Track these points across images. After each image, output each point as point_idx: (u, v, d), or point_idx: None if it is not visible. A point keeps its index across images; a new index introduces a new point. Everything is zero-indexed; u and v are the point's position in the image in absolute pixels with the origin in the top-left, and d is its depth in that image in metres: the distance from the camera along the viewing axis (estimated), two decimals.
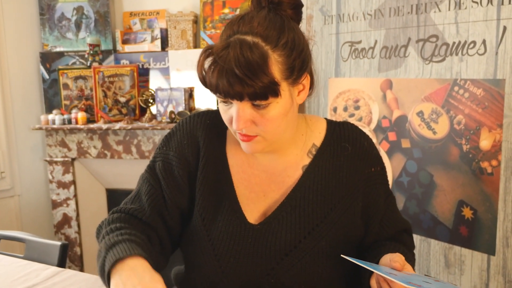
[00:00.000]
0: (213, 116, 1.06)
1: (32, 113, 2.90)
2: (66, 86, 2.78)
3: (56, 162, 2.79)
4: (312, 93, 1.01)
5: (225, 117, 0.94)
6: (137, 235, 0.93)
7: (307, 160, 1.03)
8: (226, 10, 2.66)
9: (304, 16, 2.29)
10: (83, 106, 2.76)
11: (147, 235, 0.98)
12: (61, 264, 1.33)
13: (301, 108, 2.35)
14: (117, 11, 2.88)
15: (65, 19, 2.86)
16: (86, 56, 2.79)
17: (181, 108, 2.58)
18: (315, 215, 0.99)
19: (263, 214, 1.01)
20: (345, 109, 2.12)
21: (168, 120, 2.56)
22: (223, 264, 0.98)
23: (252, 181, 1.03)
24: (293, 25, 0.92)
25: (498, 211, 1.61)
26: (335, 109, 2.16)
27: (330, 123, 1.07)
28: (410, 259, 1.03)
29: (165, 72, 2.76)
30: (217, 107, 0.99)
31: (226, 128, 1.01)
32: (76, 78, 2.79)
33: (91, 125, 2.63)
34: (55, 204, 2.84)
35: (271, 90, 0.86)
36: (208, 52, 0.87)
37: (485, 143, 1.64)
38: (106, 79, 2.69)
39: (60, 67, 2.80)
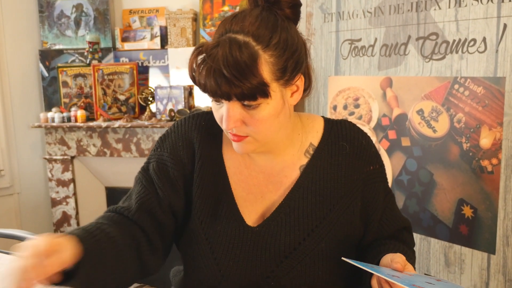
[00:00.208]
0: (208, 117, 1.04)
1: (31, 111, 2.89)
2: (65, 84, 2.78)
3: (55, 160, 2.78)
4: (309, 94, 1.00)
5: (216, 116, 0.93)
6: (105, 229, 0.91)
7: (304, 160, 1.02)
8: (226, 8, 2.65)
9: (303, 14, 2.29)
10: (82, 104, 2.76)
11: (132, 234, 0.96)
12: None
13: (301, 107, 2.34)
14: (116, 8, 2.88)
15: (65, 16, 2.85)
16: (86, 54, 2.78)
17: (180, 106, 2.57)
18: (314, 216, 0.98)
19: (261, 216, 1.00)
20: (345, 107, 2.12)
21: (168, 118, 2.56)
22: (222, 268, 0.97)
23: (249, 183, 1.02)
24: (287, 25, 0.90)
25: (498, 210, 1.60)
26: (335, 107, 2.16)
27: (328, 122, 1.06)
28: (411, 257, 1.02)
29: (165, 70, 2.76)
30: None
31: (222, 129, 1.00)
32: (76, 76, 2.78)
33: (91, 123, 2.62)
34: (54, 202, 2.84)
35: (260, 91, 0.85)
36: (199, 50, 0.86)
37: (485, 141, 1.63)
38: (105, 77, 2.68)
39: (59, 65, 2.79)
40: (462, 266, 1.73)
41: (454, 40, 1.69)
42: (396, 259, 0.88)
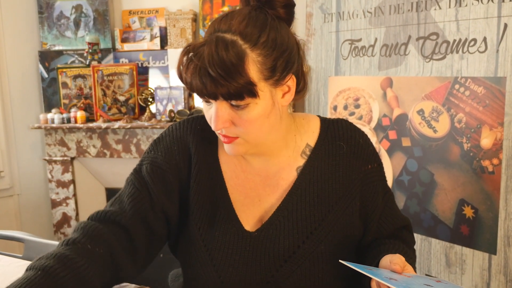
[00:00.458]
0: (204, 121, 1.01)
1: (31, 112, 2.89)
2: (65, 85, 2.77)
3: (55, 161, 2.78)
4: (304, 96, 0.98)
5: (207, 116, 0.92)
6: (67, 263, 0.86)
7: (301, 161, 1.00)
8: (226, 8, 2.65)
9: (303, 14, 2.29)
10: (82, 105, 2.76)
11: (108, 245, 0.92)
12: None
13: (301, 107, 2.34)
14: (116, 9, 2.87)
15: (64, 17, 2.85)
16: (85, 54, 2.78)
17: (180, 107, 2.57)
18: (313, 218, 0.97)
19: (259, 220, 0.99)
20: (345, 107, 2.11)
21: (168, 119, 2.56)
22: (221, 274, 0.96)
23: (246, 186, 1.00)
24: (277, 24, 0.88)
25: (499, 210, 1.60)
26: (335, 108, 2.15)
27: (324, 122, 1.04)
28: (411, 256, 1.01)
29: (165, 70, 2.75)
30: None
31: None
32: (75, 77, 2.78)
33: (90, 124, 2.62)
34: (54, 204, 2.83)
35: (247, 90, 0.83)
36: (186, 49, 0.85)
37: (486, 141, 1.63)
38: (105, 78, 2.68)
39: (59, 65, 2.79)
40: (463, 267, 1.73)
41: (454, 40, 1.69)
42: (395, 260, 0.87)
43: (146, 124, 2.54)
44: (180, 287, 1.09)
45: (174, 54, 2.69)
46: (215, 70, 0.81)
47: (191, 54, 0.84)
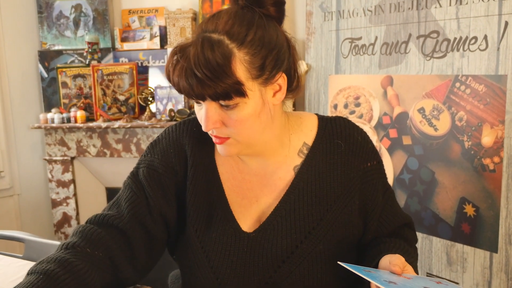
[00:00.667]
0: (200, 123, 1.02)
1: (31, 112, 2.88)
2: (65, 84, 2.77)
3: (55, 161, 2.78)
4: (297, 94, 0.97)
5: (198, 117, 0.91)
6: (68, 266, 0.87)
7: (298, 161, 0.99)
8: (225, 7, 2.65)
9: (304, 12, 2.28)
10: (82, 105, 2.75)
11: (107, 248, 0.92)
12: None
13: (301, 106, 2.33)
14: (115, 8, 2.87)
15: (63, 17, 2.84)
16: (85, 54, 2.78)
17: (180, 106, 2.57)
18: (311, 217, 0.96)
19: (257, 220, 0.98)
20: (346, 106, 2.11)
21: (168, 118, 2.55)
22: (219, 276, 0.95)
23: (243, 187, 0.99)
24: (264, 23, 0.87)
25: (500, 208, 1.60)
26: (335, 106, 2.15)
27: (322, 120, 1.03)
28: (412, 255, 1.00)
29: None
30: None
31: None
32: (75, 77, 2.77)
33: (90, 124, 2.62)
34: (54, 203, 2.83)
35: (234, 90, 0.83)
36: (174, 50, 0.85)
37: (487, 139, 1.63)
38: (105, 77, 2.68)
39: (58, 65, 2.78)
40: (464, 265, 1.73)
41: (455, 38, 1.69)
42: (394, 261, 0.85)
43: (146, 123, 2.54)
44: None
45: None
46: (201, 71, 0.80)
47: (177, 55, 0.84)
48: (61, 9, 2.83)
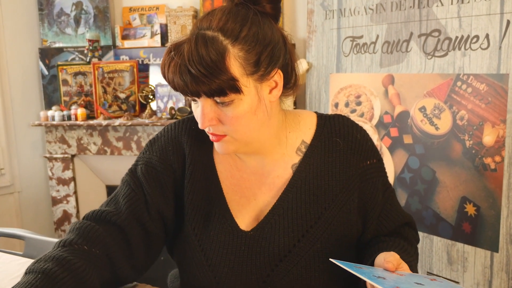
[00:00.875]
0: None
1: (32, 109, 2.88)
2: (65, 82, 2.77)
3: (56, 159, 2.78)
4: (295, 91, 0.97)
5: (195, 115, 0.91)
6: (65, 264, 0.86)
7: (296, 159, 0.99)
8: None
9: (305, 11, 2.28)
10: (82, 102, 2.75)
11: (104, 245, 0.92)
12: None
13: (302, 104, 2.33)
14: (116, 6, 2.87)
15: (64, 14, 2.84)
16: (86, 52, 2.77)
17: (181, 104, 2.56)
18: (309, 216, 0.96)
19: (255, 219, 0.98)
20: (347, 104, 2.11)
21: (168, 116, 2.55)
22: (217, 275, 0.95)
23: (242, 185, 0.99)
24: (259, 19, 0.87)
25: (501, 208, 1.60)
26: (336, 105, 2.15)
27: (321, 118, 1.03)
28: (411, 253, 0.99)
29: None
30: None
31: None
32: (76, 74, 2.77)
33: (91, 122, 2.61)
34: (55, 201, 2.83)
35: (229, 86, 0.83)
36: (169, 47, 0.85)
37: (488, 138, 1.62)
38: (105, 75, 2.67)
39: (59, 63, 2.78)
40: (465, 264, 1.73)
41: (456, 37, 1.68)
42: (388, 258, 0.85)
43: (146, 121, 2.53)
44: (179, 287, 1.09)
45: None
46: (195, 67, 0.80)
47: (172, 52, 0.84)
48: (62, 7, 2.83)
